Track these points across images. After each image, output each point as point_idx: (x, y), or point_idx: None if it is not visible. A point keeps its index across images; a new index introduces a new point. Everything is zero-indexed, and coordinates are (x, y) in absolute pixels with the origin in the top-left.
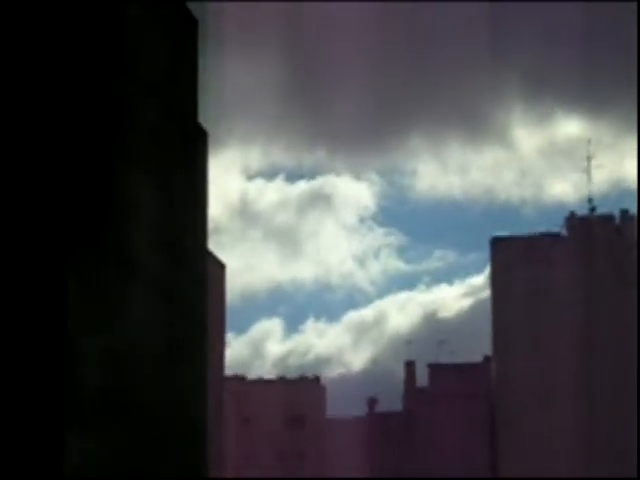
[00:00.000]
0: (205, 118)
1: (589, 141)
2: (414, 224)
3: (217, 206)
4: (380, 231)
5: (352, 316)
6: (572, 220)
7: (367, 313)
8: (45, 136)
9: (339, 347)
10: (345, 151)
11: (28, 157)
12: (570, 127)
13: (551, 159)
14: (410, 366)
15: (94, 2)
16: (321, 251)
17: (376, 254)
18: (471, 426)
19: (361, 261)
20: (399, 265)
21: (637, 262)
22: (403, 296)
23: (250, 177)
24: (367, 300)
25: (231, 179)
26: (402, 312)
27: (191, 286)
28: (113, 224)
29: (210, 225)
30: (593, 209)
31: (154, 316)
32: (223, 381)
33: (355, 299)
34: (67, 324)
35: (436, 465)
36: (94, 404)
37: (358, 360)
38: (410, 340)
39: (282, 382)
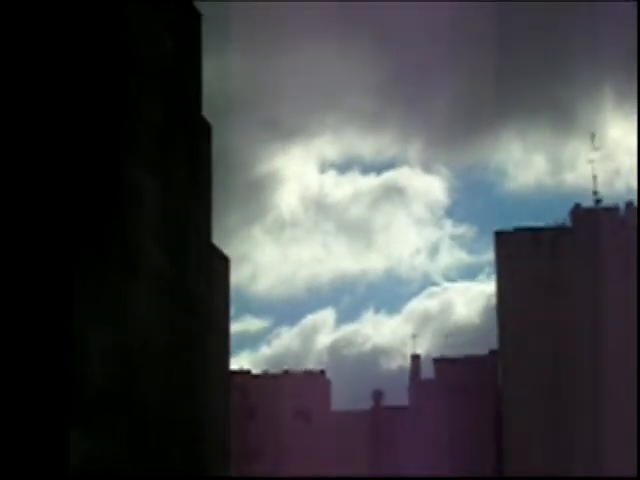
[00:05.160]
0: (291, 113)
1: (593, 135)
2: (487, 218)
3: (294, 199)
4: (449, 223)
5: (410, 307)
6: (577, 212)
7: (425, 304)
8: (48, 134)
9: (399, 338)
10: (430, 145)
11: (31, 155)
12: None
13: None
14: (415, 359)
15: None
16: (390, 243)
17: (441, 246)
18: (476, 419)
19: (425, 253)
20: (462, 256)
21: (637, 253)
22: (461, 286)
23: (325, 170)
24: (424, 290)
25: (310, 172)
26: (459, 302)
27: (195, 282)
28: (117, 221)
29: (287, 218)
30: (599, 201)
31: (158, 313)
32: (228, 375)
33: (414, 290)
34: (71, 322)
35: (440, 459)
36: (98, 402)
37: (417, 351)
38: (415, 334)
39: (287, 376)
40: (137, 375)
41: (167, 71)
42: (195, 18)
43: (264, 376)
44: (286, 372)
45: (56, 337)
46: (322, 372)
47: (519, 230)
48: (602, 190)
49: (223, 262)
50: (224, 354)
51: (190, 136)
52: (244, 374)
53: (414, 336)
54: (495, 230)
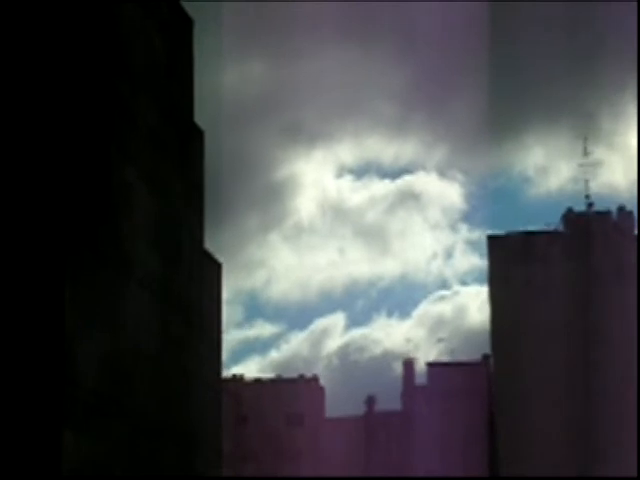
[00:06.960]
0: (312, 117)
1: (585, 138)
2: (504, 222)
3: (312, 204)
4: (465, 228)
5: (422, 311)
6: (569, 216)
7: (438, 308)
8: (41, 136)
9: (409, 342)
10: (452, 151)
11: (24, 157)
12: None
13: None
14: (408, 364)
15: (89, 2)
16: (406, 248)
17: (456, 251)
18: (469, 423)
19: (441, 258)
20: (476, 261)
21: (637, 258)
22: (473, 290)
23: (342, 174)
24: (433, 294)
25: (327, 177)
26: (473, 306)
27: (187, 286)
28: (109, 224)
29: (305, 223)
30: (591, 205)
31: (150, 316)
32: (221, 381)
33: (428, 295)
34: (63, 324)
35: (433, 463)
36: (90, 404)
37: (427, 355)
38: (409, 339)
39: (280, 382)
40: (131, 378)
41: (159, 76)
42: (186, 21)
43: (257, 382)
44: (279, 377)
45: (48, 340)
46: (315, 378)
47: (511, 234)
48: (624, 197)
49: (215, 267)
50: (217, 359)
51: (183, 140)
52: (237, 380)
53: (408, 340)
54: (488, 234)
